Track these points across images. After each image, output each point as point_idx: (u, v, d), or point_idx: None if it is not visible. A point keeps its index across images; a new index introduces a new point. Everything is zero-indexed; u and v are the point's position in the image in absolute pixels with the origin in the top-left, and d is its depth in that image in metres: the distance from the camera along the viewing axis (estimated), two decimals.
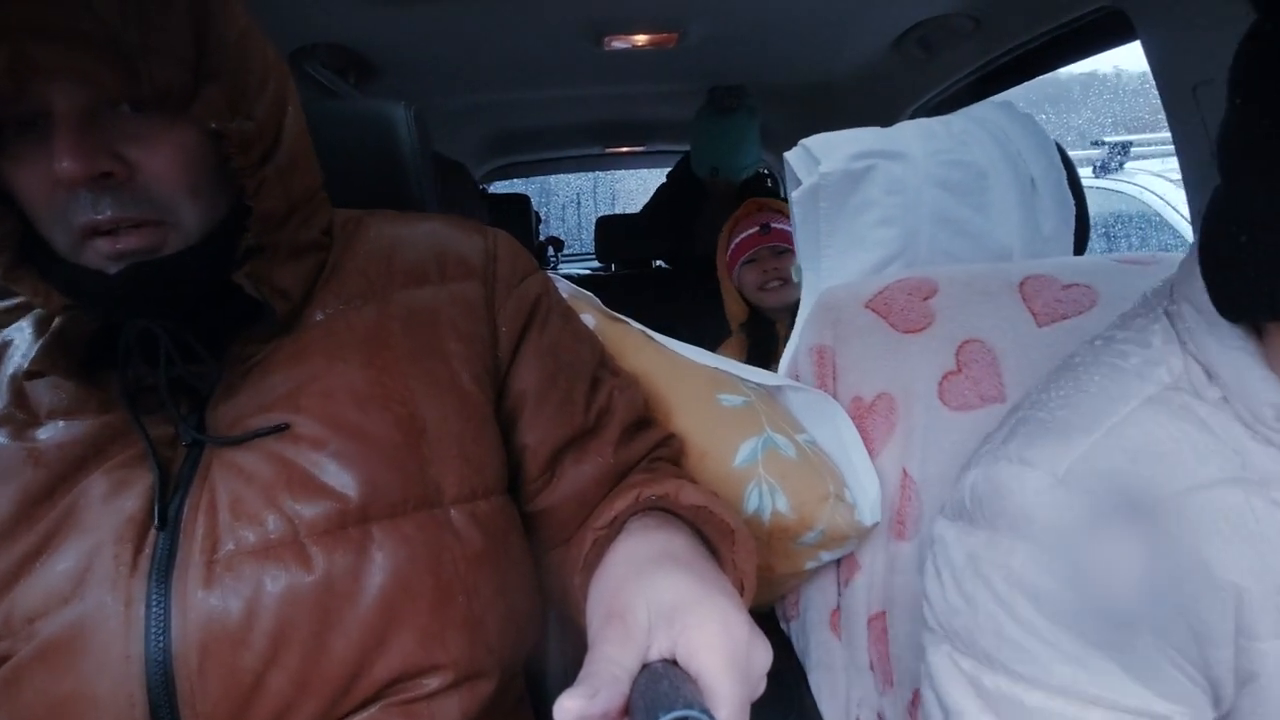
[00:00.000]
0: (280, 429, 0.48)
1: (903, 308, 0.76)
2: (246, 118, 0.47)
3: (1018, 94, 1.34)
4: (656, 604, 0.38)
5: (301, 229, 0.53)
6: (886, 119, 1.61)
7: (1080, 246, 0.92)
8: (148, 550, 0.44)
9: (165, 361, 0.48)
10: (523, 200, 2.35)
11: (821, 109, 1.77)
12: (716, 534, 0.50)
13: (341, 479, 0.47)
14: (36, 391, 0.49)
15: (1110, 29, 1.00)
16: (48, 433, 0.48)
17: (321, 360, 0.51)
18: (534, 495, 0.59)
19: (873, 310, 0.77)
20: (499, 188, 3.03)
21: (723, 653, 0.35)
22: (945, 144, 0.90)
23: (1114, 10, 0.94)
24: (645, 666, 0.36)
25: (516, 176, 3.03)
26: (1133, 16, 0.91)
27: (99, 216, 0.43)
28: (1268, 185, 0.37)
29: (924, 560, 0.66)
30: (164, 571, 0.44)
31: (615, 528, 0.50)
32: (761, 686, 0.37)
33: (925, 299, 0.77)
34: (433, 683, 0.48)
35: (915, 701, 0.67)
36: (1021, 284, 0.76)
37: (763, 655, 0.37)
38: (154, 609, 0.43)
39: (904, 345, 0.74)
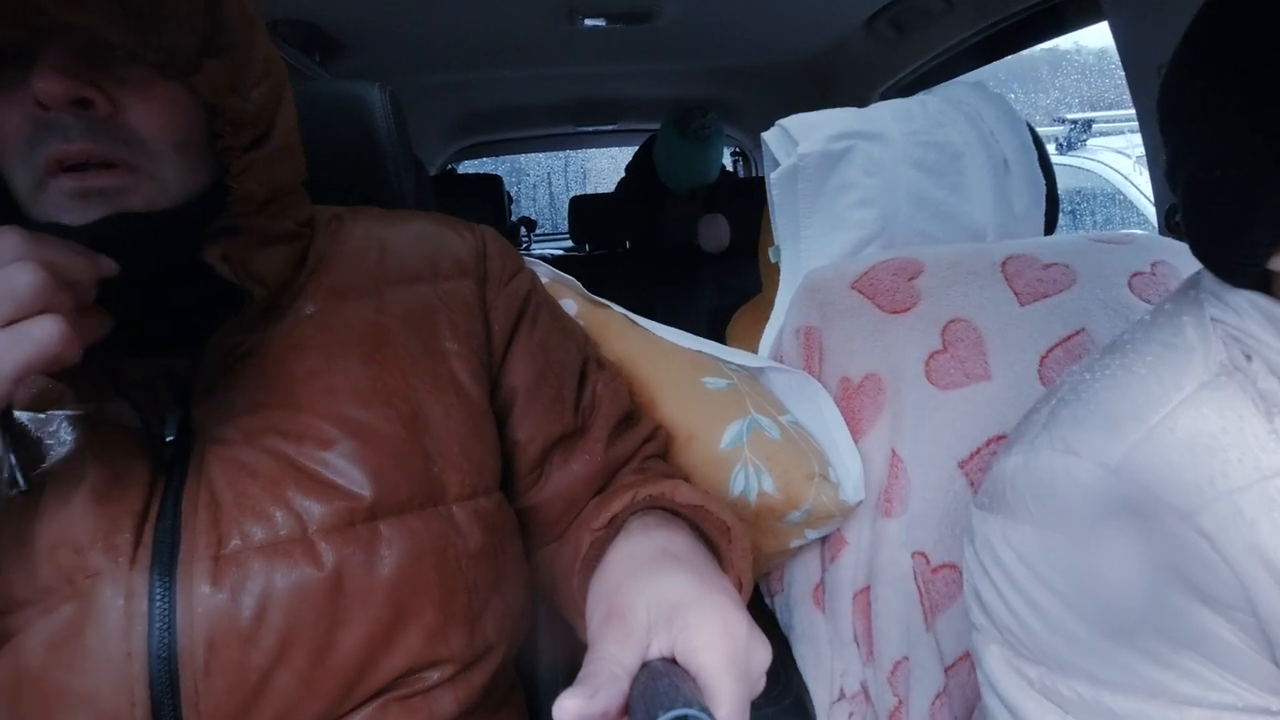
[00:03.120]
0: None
1: (889, 288, 0.77)
2: (244, 99, 0.46)
3: (986, 73, 1.35)
4: (656, 603, 0.38)
5: (277, 218, 0.52)
6: (858, 98, 1.63)
7: (1050, 225, 0.95)
8: (147, 543, 0.43)
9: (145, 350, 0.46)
10: (495, 181, 2.31)
11: (793, 88, 1.77)
12: (715, 532, 0.51)
13: (351, 477, 0.47)
14: None
15: (1078, 10, 1.01)
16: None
17: (320, 356, 0.50)
18: (524, 492, 0.59)
19: (859, 291, 0.78)
20: (468, 167, 2.97)
21: (722, 651, 0.35)
22: (922, 125, 0.90)
23: None
24: (645, 665, 0.36)
25: (487, 156, 2.98)
26: None
27: (68, 146, 0.40)
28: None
29: (909, 536, 0.68)
30: (167, 566, 0.42)
31: (614, 528, 0.50)
32: (761, 685, 0.37)
33: (911, 279, 0.78)
34: (433, 677, 0.48)
35: (894, 672, 0.69)
36: (1003, 264, 0.78)
37: (762, 654, 0.37)
38: (157, 604, 0.42)
39: (890, 326, 0.74)
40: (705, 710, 0.31)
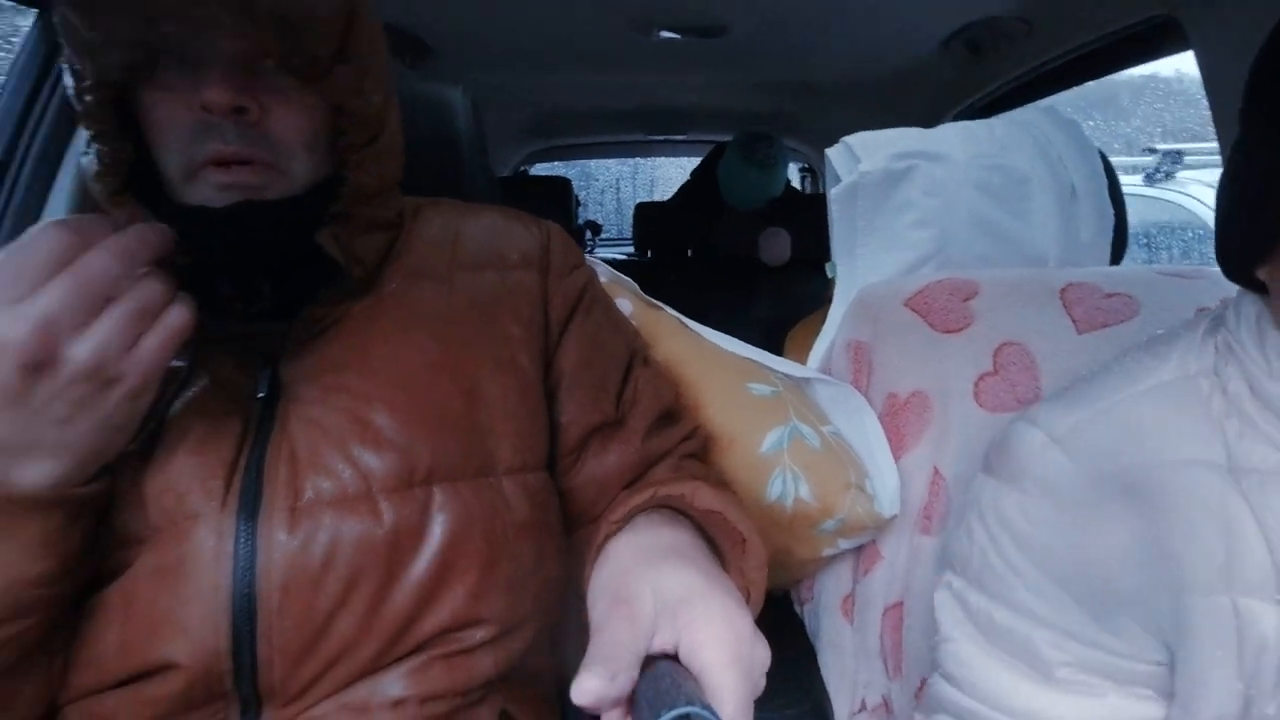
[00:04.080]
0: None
1: (943, 308, 0.77)
2: (366, 102, 0.52)
3: (1064, 98, 1.33)
4: (662, 595, 0.39)
5: (381, 208, 0.57)
6: (932, 118, 1.62)
7: (1117, 256, 0.92)
8: (235, 490, 0.48)
9: (244, 313, 0.52)
10: (564, 183, 2.37)
11: (866, 104, 1.76)
12: (726, 540, 0.51)
13: (409, 438, 0.51)
14: None
15: (1164, 37, 0.99)
16: None
17: (394, 327, 0.55)
18: (562, 474, 0.62)
19: (912, 309, 0.78)
20: (540, 170, 3.06)
21: (726, 648, 0.35)
22: (988, 148, 0.90)
23: (1168, 19, 0.93)
24: (647, 661, 0.36)
25: (558, 159, 3.06)
26: (1186, 26, 0.90)
27: (224, 147, 0.47)
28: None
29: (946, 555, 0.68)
30: (250, 512, 0.47)
31: (625, 522, 0.51)
32: (762, 685, 0.37)
33: (965, 300, 0.77)
34: (476, 635, 0.52)
35: (922, 688, 0.69)
36: (1063, 290, 0.77)
37: (763, 655, 0.37)
38: (241, 546, 0.46)
39: (942, 345, 0.75)
40: (708, 708, 0.31)
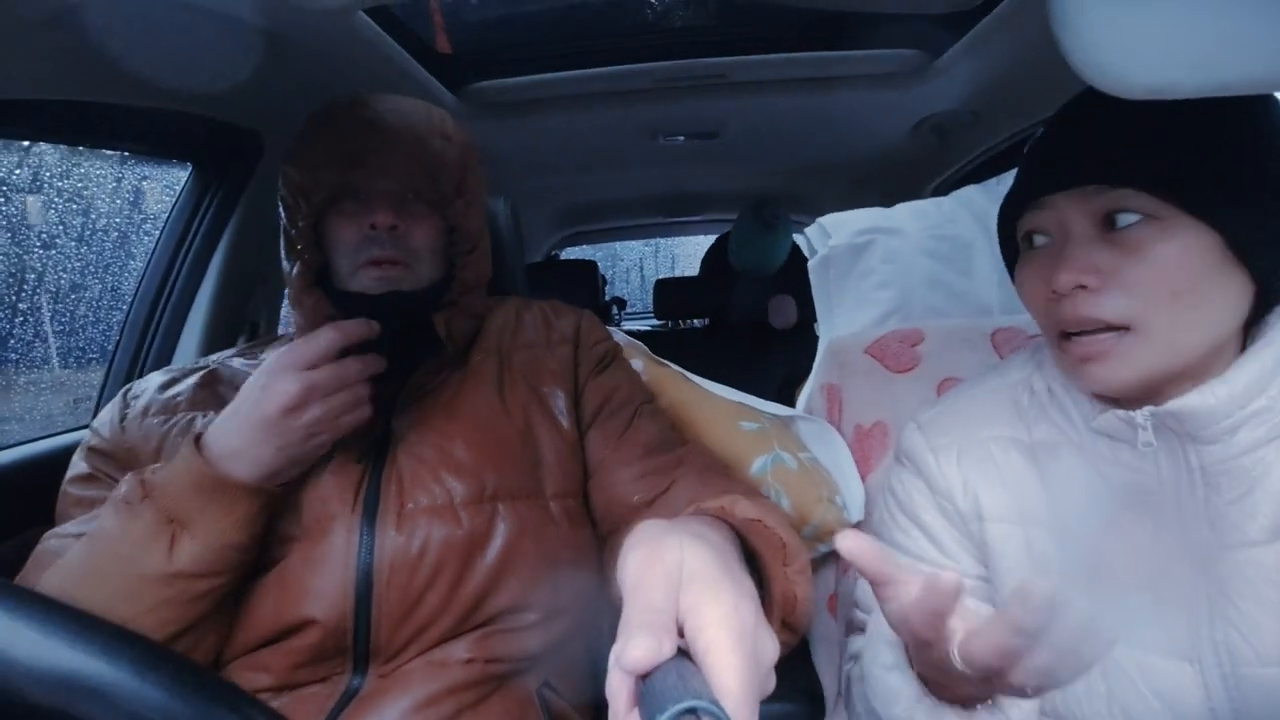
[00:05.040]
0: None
1: (895, 353, 0.94)
2: (469, 221, 0.76)
3: None
4: (686, 564, 0.38)
5: (477, 301, 0.80)
6: (913, 190, 1.82)
7: None
8: (361, 501, 0.67)
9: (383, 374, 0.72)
10: (591, 266, 2.62)
11: (855, 181, 1.97)
12: (767, 547, 0.52)
13: (480, 467, 0.70)
14: None
15: None
16: None
17: (472, 390, 0.76)
18: (588, 490, 0.79)
19: (870, 355, 0.95)
20: (572, 253, 3.34)
21: (732, 630, 0.34)
22: (935, 221, 1.09)
23: None
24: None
25: (586, 243, 3.34)
26: None
27: (381, 252, 0.71)
28: None
29: None
30: (371, 517, 0.66)
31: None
32: (771, 681, 0.36)
33: (913, 346, 0.95)
34: (528, 618, 0.69)
35: None
36: (993, 334, 0.93)
37: (770, 646, 0.36)
38: (364, 540, 0.65)
39: (895, 383, 0.91)
40: (715, 703, 0.30)
